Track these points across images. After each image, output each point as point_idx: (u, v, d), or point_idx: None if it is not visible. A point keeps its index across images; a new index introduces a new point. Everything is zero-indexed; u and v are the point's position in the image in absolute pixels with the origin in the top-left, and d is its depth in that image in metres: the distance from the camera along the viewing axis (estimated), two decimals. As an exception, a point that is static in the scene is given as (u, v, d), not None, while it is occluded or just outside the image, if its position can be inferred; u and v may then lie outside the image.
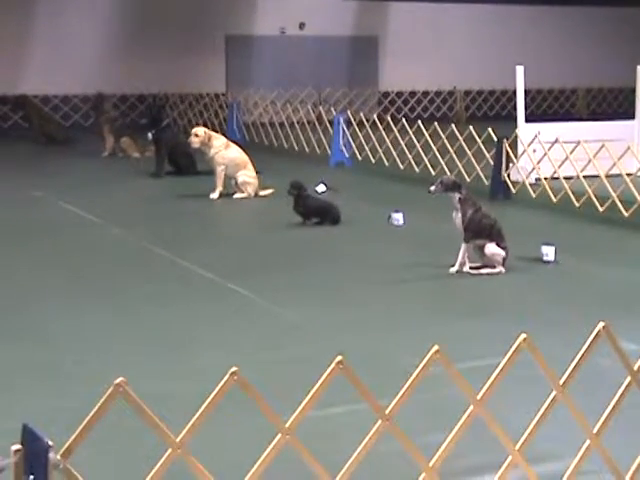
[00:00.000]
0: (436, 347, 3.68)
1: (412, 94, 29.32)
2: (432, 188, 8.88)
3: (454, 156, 14.62)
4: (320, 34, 28.75)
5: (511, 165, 13.59)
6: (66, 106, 25.71)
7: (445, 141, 14.93)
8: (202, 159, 14.33)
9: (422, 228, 11.14)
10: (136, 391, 3.23)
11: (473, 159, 14.26)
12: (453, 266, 8.79)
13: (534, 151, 13.76)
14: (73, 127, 24.48)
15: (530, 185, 13.26)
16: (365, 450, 3.62)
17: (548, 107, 31.07)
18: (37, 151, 20.01)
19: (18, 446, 2.95)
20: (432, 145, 15.00)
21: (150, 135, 16.03)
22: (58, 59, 25.76)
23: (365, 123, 17.17)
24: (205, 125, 17.90)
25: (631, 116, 16.08)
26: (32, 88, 24.77)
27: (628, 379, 4.08)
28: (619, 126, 15.93)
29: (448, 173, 14.39)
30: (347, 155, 17.28)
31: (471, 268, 8.81)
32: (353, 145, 17.30)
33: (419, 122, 15.86)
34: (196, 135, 13.63)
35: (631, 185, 11.77)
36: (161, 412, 3.46)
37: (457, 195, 8.78)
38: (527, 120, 14.91)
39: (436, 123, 15.64)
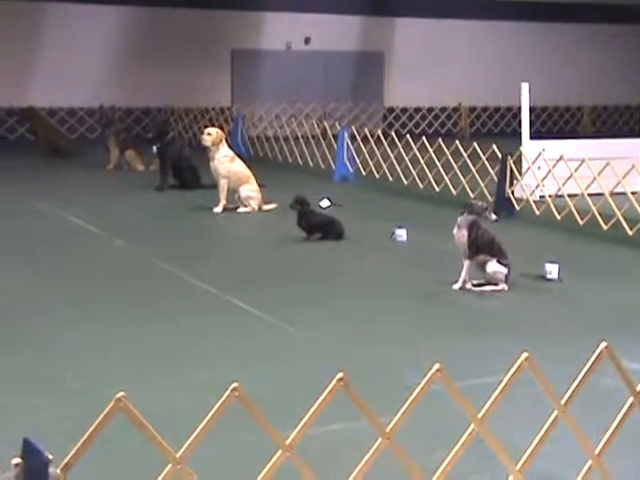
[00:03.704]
0: (437, 365, 3.67)
1: (417, 110, 29.36)
2: (493, 217, 8.90)
3: (458, 172, 14.62)
4: (326, 49, 28.81)
5: (515, 182, 13.58)
6: (72, 118, 25.75)
7: (449, 157, 14.92)
8: (206, 172, 14.34)
9: (426, 244, 11.13)
10: (136, 406, 3.23)
11: (477, 175, 14.26)
12: (456, 282, 8.79)
13: (539, 168, 13.76)
14: (79, 140, 24.52)
15: (534, 202, 13.25)
16: (365, 468, 3.61)
17: (553, 124, 31.09)
18: (42, 163, 20.03)
19: (18, 460, 2.95)
20: (436, 161, 15.00)
21: (155, 148, 16.03)
22: (64, 71, 25.80)
23: (369, 138, 17.18)
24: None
25: (636, 134, 16.11)
26: (38, 100, 24.82)
27: (631, 399, 4.07)
28: (624, 144, 15.94)
29: (452, 189, 14.43)
30: (351, 170, 17.27)
31: (474, 285, 8.80)
32: (357, 160, 17.31)
33: (423, 138, 15.86)
34: (209, 134, 13.66)
35: (636, 203, 11.74)
36: (161, 427, 3.45)
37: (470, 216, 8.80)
38: (532, 137, 14.92)
39: (440, 139, 15.63)
